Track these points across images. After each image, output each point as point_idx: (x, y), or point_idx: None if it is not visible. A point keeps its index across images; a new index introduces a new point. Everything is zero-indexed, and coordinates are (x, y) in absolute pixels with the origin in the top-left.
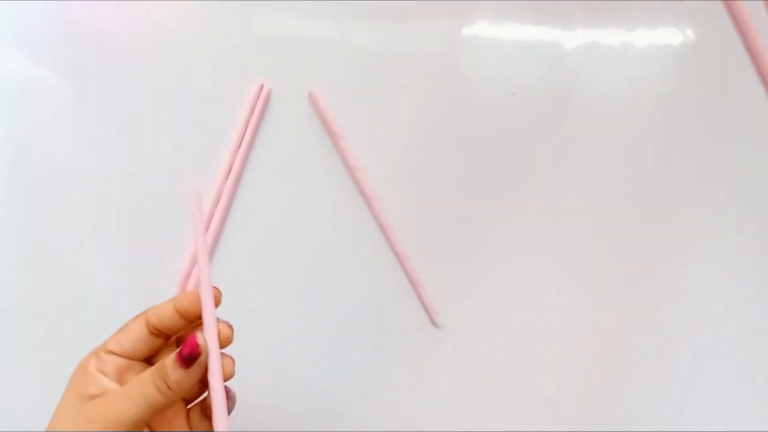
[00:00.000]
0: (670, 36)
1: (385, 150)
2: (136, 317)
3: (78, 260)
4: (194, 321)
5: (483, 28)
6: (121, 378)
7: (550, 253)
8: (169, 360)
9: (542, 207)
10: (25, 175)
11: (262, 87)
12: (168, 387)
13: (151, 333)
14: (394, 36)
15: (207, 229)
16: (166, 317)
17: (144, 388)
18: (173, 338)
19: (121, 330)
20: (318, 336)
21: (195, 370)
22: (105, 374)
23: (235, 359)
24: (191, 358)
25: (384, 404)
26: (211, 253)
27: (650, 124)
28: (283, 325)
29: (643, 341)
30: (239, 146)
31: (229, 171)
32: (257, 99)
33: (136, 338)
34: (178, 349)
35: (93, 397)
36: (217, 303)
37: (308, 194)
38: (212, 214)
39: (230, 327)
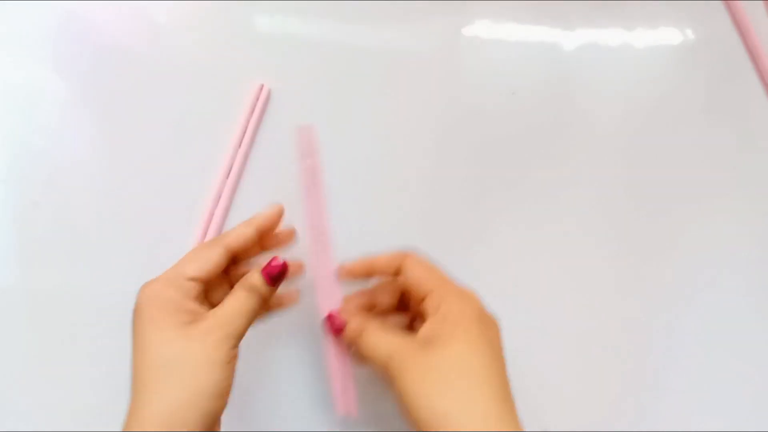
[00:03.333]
0: (670, 36)
1: (385, 149)
2: (212, 246)
3: (78, 260)
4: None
5: (483, 28)
6: (202, 300)
7: (549, 253)
8: (257, 280)
9: (542, 206)
10: (26, 175)
11: (262, 87)
12: (262, 298)
13: (227, 258)
14: (394, 36)
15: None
16: (248, 241)
17: (247, 302)
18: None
19: (198, 260)
20: (316, 336)
21: (278, 284)
22: (191, 299)
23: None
24: (280, 276)
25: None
26: None
27: (650, 123)
28: (281, 323)
29: (645, 341)
30: (239, 146)
31: (230, 170)
32: (257, 98)
33: (216, 265)
34: (263, 270)
35: (190, 323)
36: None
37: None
38: (212, 213)
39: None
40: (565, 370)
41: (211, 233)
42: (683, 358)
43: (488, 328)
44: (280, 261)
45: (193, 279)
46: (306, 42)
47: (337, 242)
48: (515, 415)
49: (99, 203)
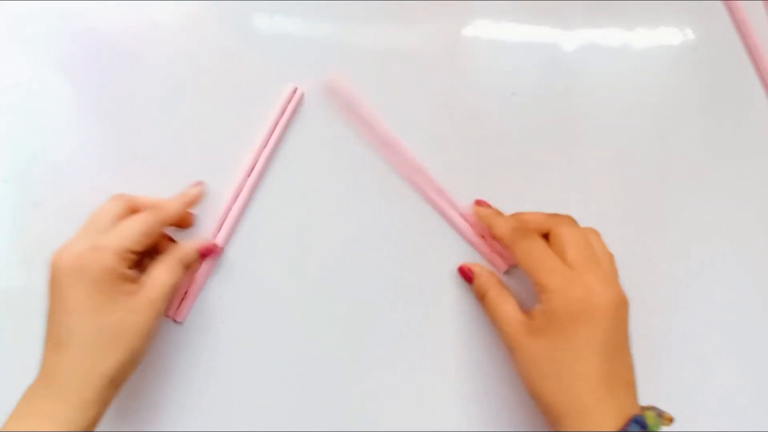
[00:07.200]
0: (670, 36)
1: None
2: (153, 219)
3: None
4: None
5: (483, 28)
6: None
7: None
8: (191, 250)
9: (541, 206)
10: (26, 175)
11: (295, 90)
12: (186, 266)
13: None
14: (394, 36)
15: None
16: (175, 217)
17: (179, 275)
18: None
19: (142, 233)
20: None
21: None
22: (129, 270)
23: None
24: (206, 254)
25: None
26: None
27: (650, 123)
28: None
29: (643, 341)
30: (265, 145)
31: (251, 169)
32: (289, 101)
33: (154, 239)
34: (201, 250)
35: (133, 293)
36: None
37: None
38: (229, 209)
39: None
40: None
41: (224, 230)
42: (683, 358)
43: (590, 324)
44: (218, 245)
45: (133, 252)
46: (306, 42)
47: (335, 242)
48: (614, 404)
49: (100, 203)
